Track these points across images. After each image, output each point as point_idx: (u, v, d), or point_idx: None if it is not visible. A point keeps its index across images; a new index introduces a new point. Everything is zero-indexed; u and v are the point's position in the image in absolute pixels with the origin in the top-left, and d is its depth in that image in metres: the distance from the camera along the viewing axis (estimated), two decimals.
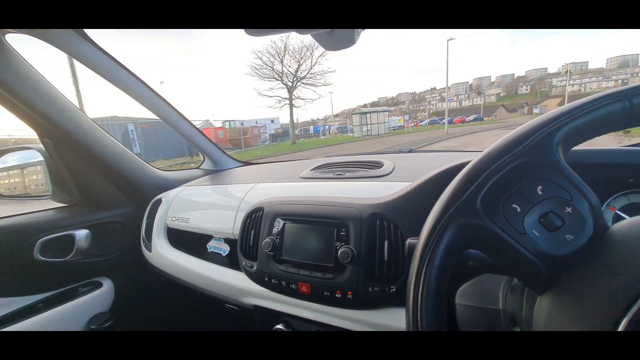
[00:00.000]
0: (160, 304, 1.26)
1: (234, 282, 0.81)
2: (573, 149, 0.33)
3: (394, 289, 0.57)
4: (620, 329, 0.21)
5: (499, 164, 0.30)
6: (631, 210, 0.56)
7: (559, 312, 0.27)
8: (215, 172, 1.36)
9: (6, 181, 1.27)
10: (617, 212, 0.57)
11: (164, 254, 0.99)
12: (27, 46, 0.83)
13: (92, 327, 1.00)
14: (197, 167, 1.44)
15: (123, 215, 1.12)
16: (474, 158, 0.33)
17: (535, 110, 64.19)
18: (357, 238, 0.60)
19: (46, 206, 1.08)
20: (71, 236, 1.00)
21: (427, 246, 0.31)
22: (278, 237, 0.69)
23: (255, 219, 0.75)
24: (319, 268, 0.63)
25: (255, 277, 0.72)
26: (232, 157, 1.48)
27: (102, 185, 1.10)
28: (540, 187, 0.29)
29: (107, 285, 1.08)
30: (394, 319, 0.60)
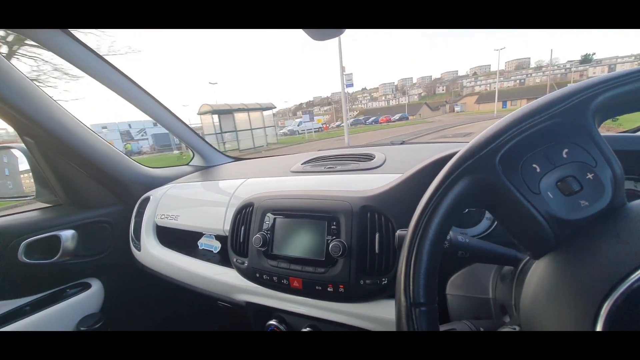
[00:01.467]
0: (152, 303, 1.24)
1: (225, 279, 0.80)
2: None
3: (386, 281, 0.57)
4: (615, 296, 0.21)
5: (528, 123, 0.29)
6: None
7: (553, 274, 0.27)
8: (205, 168, 1.34)
9: None
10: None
11: (153, 253, 0.97)
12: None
13: (82, 328, 0.98)
14: (187, 164, 1.42)
15: (111, 214, 1.10)
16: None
17: (457, 108, 66.67)
18: (348, 231, 0.60)
19: (30, 207, 1.05)
20: (57, 237, 0.98)
21: (429, 202, 0.30)
22: (269, 232, 0.68)
23: (245, 214, 0.74)
24: (311, 262, 0.63)
25: (247, 274, 0.72)
26: (222, 153, 1.45)
27: (88, 184, 1.07)
28: (566, 150, 0.28)
29: (96, 286, 1.06)
30: (386, 312, 0.60)
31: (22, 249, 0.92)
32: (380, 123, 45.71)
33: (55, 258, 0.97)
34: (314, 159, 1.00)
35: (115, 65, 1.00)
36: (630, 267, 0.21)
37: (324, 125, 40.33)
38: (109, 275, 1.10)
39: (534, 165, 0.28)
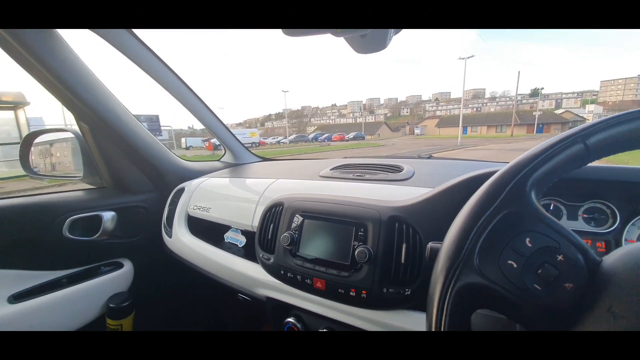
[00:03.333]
0: (176, 288, 1.30)
1: (249, 272, 0.84)
2: (595, 164, 0.34)
3: (409, 292, 0.58)
4: None
5: (483, 221, 0.31)
6: None
7: None
8: (235, 166, 1.40)
9: (42, 160, 1.34)
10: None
11: (183, 241, 1.03)
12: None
13: (110, 305, 1.05)
14: (218, 160, 1.49)
15: (147, 200, 1.17)
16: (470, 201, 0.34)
17: (417, 131, 63.76)
18: (375, 239, 0.61)
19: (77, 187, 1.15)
20: (99, 217, 1.06)
21: (439, 304, 0.32)
22: (296, 232, 0.70)
23: (274, 213, 0.77)
24: (335, 265, 0.65)
25: (272, 270, 0.74)
26: (252, 152, 1.51)
27: (130, 171, 1.16)
28: (528, 239, 0.30)
29: (127, 266, 1.13)
30: (407, 321, 0.60)
31: (67, 225, 1.00)
32: (334, 141, 40.70)
33: (95, 236, 1.05)
34: (342, 165, 1.02)
35: (165, 61, 1.08)
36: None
37: (261, 140, 33.92)
38: (140, 257, 1.17)
39: (510, 262, 0.30)
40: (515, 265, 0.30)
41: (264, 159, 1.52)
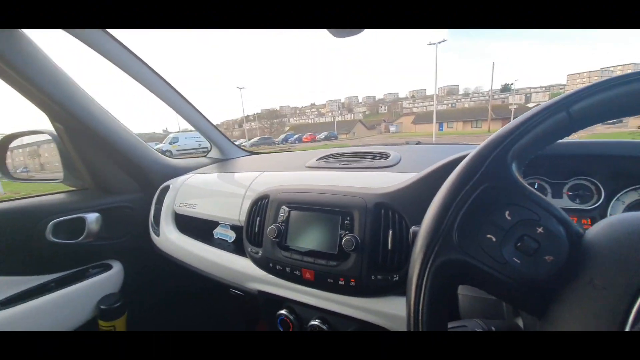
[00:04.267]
0: (168, 286, 1.29)
1: (239, 267, 0.83)
2: (581, 139, 0.33)
3: (397, 278, 0.58)
4: None
5: (463, 195, 0.30)
6: None
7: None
8: (222, 161, 1.38)
9: (20, 164, 1.30)
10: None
11: (171, 239, 1.02)
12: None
13: (102, 306, 1.04)
14: (205, 156, 1.46)
15: (132, 200, 1.15)
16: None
17: (392, 128, 62.35)
18: (361, 227, 0.61)
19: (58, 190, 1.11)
20: (82, 219, 1.03)
21: (418, 282, 0.31)
22: (283, 224, 0.70)
23: (261, 206, 0.76)
24: (323, 255, 0.64)
25: (260, 263, 0.74)
26: (239, 147, 1.49)
27: (113, 171, 1.12)
28: (507, 212, 0.29)
29: (116, 268, 1.11)
30: (396, 308, 0.61)
31: (50, 229, 0.98)
32: (304, 142, 37.74)
33: (80, 239, 1.02)
34: (329, 155, 1.01)
35: (141, 58, 1.04)
36: (617, 320, 0.22)
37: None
38: (129, 257, 1.15)
39: (489, 236, 0.29)
40: (494, 239, 0.29)
41: (252, 153, 1.49)
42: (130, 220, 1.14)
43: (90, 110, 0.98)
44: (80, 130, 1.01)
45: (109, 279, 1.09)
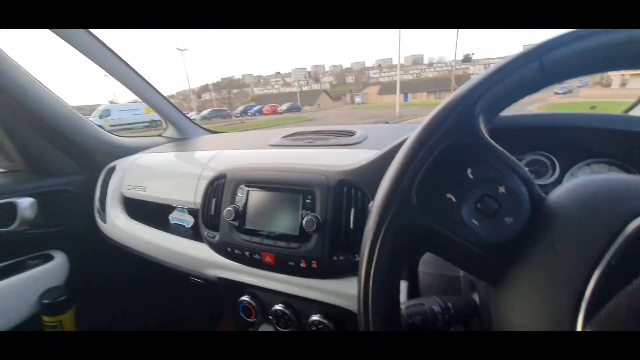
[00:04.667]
0: (120, 277, 1.20)
1: (196, 254, 0.77)
2: (531, 110, 0.31)
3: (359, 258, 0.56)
4: (578, 326, 0.20)
5: (425, 151, 0.28)
6: None
7: (516, 307, 0.26)
8: (180, 140, 1.27)
9: None
10: None
11: (120, 225, 0.92)
12: None
13: (44, 301, 0.94)
14: (160, 135, 1.34)
15: (72, 183, 1.02)
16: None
17: (357, 99, 60.74)
18: (323, 206, 0.58)
19: None
20: (13, 204, 0.91)
21: (371, 249, 0.28)
22: (241, 205, 0.65)
23: (217, 186, 0.70)
24: (284, 237, 0.61)
25: (218, 248, 0.69)
26: (199, 126, 1.38)
27: (48, 150, 0.99)
28: (470, 170, 0.27)
29: (59, 258, 1.00)
30: None
31: None
32: (264, 114, 34.09)
33: (12, 227, 0.91)
34: (294, 133, 0.96)
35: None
36: (577, 287, 0.20)
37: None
38: (74, 247, 1.04)
39: (449, 195, 0.27)
40: (454, 199, 0.27)
41: (213, 132, 1.40)
42: (72, 206, 1.02)
43: (17, 80, 0.85)
44: (8, 104, 0.87)
45: (51, 270, 0.98)
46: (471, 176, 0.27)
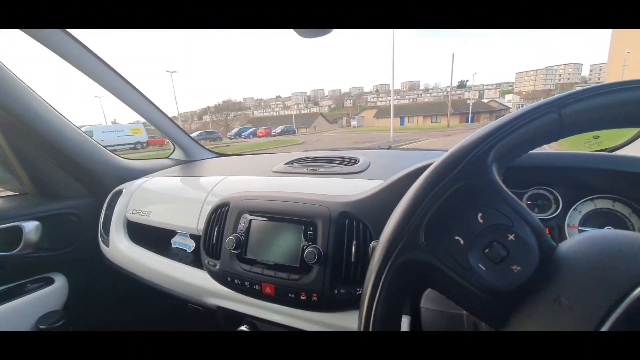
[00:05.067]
0: (119, 302, 1.18)
1: (196, 281, 0.76)
2: (539, 151, 0.31)
3: (360, 292, 0.55)
4: None
5: (437, 191, 0.28)
6: (598, 216, 0.56)
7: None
8: (186, 163, 1.29)
9: None
10: (580, 228, 0.57)
11: (122, 250, 0.92)
12: None
13: (41, 326, 0.92)
14: (167, 157, 1.37)
15: (79, 206, 1.04)
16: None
17: (353, 122, 60.39)
18: (324, 237, 0.57)
19: None
20: (19, 228, 0.91)
21: (375, 281, 0.29)
22: (243, 234, 0.65)
23: (220, 214, 0.70)
24: (285, 268, 0.60)
25: (218, 277, 0.68)
26: (205, 148, 1.41)
27: (56, 174, 1.01)
28: (480, 215, 0.27)
29: (59, 282, 1.00)
30: None
31: None
32: (258, 136, 33.96)
33: (16, 250, 0.91)
34: (298, 159, 0.97)
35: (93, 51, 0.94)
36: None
37: (151, 139, 21.26)
38: (75, 270, 1.04)
39: (457, 238, 0.27)
40: (462, 242, 0.27)
41: (220, 155, 1.42)
42: (77, 229, 1.03)
43: (29, 105, 0.88)
44: (18, 127, 0.90)
45: (50, 294, 0.97)
46: (481, 221, 0.27)
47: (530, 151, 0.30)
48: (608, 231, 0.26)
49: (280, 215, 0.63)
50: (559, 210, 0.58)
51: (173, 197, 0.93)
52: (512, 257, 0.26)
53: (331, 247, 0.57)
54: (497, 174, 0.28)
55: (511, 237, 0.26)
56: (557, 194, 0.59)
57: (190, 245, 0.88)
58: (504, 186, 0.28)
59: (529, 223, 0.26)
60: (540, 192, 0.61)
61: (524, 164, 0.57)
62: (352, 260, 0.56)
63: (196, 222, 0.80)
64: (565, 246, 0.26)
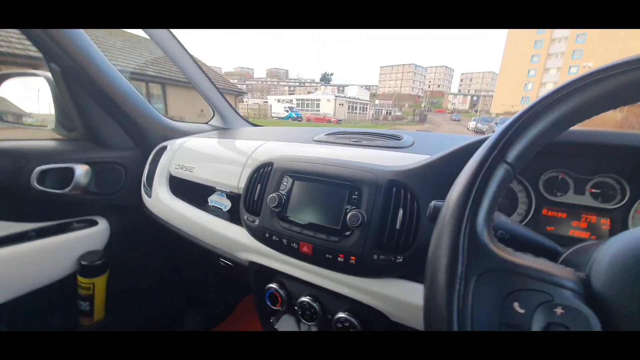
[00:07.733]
0: (154, 249, 1.25)
1: (232, 235, 0.79)
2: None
3: (401, 260, 0.55)
4: None
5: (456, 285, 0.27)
6: None
7: None
8: (224, 130, 1.32)
9: (8, 107, 1.23)
10: None
11: (163, 201, 0.97)
12: None
13: (82, 262, 0.99)
14: (206, 122, 1.40)
15: (126, 157, 1.09)
16: None
17: None
18: (369, 203, 0.57)
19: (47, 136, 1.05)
20: (71, 169, 0.98)
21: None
22: (285, 194, 0.66)
23: (263, 173, 0.72)
24: (325, 229, 0.61)
25: (256, 233, 0.70)
26: (243, 118, 1.43)
27: (108, 124, 1.07)
28: (516, 304, 0.25)
29: (102, 225, 1.07)
30: (395, 290, 0.58)
31: (35, 175, 0.92)
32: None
33: (66, 190, 0.97)
34: (338, 132, 0.97)
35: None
36: None
37: None
38: (116, 216, 1.10)
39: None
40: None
41: (256, 126, 1.44)
42: (121, 178, 1.09)
43: (89, 54, 0.92)
44: (78, 75, 0.95)
45: (93, 235, 1.04)
46: (521, 310, 0.25)
47: (601, 130, 0.30)
48: (625, 253, 0.24)
49: (325, 179, 0.63)
50: (624, 201, 0.55)
51: (215, 157, 0.96)
52: (575, 329, 0.23)
53: (376, 213, 0.57)
54: (492, 242, 0.27)
55: (560, 311, 0.24)
56: (625, 183, 0.56)
57: (226, 204, 0.91)
58: (508, 254, 0.26)
59: (563, 286, 0.24)
60: (606, 181, 0.58)
61: (594, 141, 0.53)
62: (397, 227, 0.55)
63: (237, 180, 0.82)
64: (596, 279, 0.24)
